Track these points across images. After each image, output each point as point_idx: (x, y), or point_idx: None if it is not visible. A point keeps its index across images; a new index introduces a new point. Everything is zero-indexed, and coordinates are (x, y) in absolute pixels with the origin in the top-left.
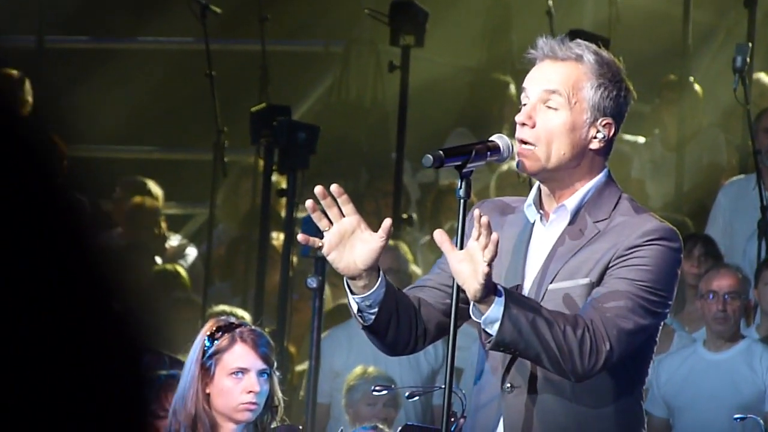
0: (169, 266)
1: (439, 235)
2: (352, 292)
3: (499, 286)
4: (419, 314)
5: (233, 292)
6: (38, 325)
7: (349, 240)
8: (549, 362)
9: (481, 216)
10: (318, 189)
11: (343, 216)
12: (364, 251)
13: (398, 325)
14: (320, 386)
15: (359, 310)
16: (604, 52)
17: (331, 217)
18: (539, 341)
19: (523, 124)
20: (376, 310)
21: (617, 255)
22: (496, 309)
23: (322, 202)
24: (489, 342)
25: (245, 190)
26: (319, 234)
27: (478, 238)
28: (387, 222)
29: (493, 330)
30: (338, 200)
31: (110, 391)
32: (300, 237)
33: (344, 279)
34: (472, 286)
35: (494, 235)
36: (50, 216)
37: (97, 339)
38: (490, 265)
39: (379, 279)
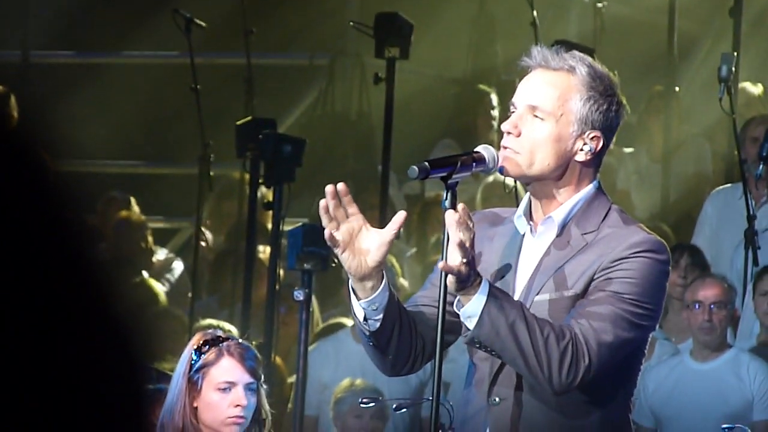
0: (138, 279)
1: (451, 216)
2: (358, 298)
3: (485, 282)
4: (418, 329)
5: (220, 305)
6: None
7: (357, 239)
8: (525, 368)
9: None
10: (329, 188)
11: (347, 216)
12: (373, 248)
13: (400, 335)
14: (308, 399)
15: (365, 318)
16: (599, 66)
17: (337, 217)
18: (516, 345)
19: (509, 133)
20: (381, 315)
21: (602, 267)
22: (476, 303)
23: (330, 202)
24: (466, 336)
25: (231, 204)
26: (306, 247)
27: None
28: (401, 214)
29: (471, 324)
30: (343, 200)
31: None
32: (327, 233)
33: (349, 285)
34: (455, 273)
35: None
36: (39, 231)
37: (94, 354)
38: (471, 252)
39: (383, 282)
